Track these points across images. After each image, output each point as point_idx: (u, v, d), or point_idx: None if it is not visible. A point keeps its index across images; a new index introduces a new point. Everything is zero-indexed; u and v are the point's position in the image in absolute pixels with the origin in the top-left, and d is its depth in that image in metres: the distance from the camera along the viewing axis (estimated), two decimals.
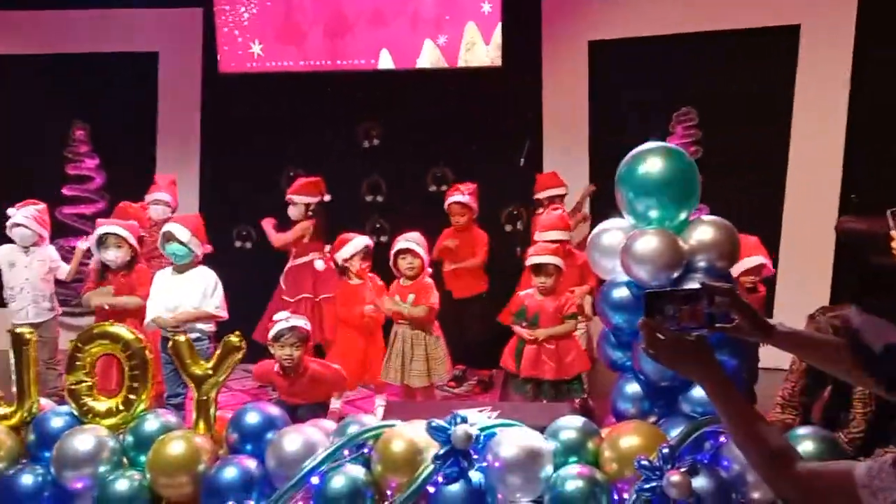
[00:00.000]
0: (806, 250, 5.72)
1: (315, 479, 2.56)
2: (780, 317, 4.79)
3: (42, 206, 4.97)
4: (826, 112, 5.72)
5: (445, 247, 5.35)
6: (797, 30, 5.78)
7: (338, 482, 2.53)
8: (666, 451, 2.38)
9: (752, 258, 4.10)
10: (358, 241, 4.78)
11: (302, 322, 3.88)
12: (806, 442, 2.48)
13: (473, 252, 5.41)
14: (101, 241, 4.45)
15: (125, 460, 2.80)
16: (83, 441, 2.74)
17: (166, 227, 4.24)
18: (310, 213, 5.39)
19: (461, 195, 5.36)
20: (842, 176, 5.73)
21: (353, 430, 2.68)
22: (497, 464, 2.52)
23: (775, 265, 5.98)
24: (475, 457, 2.54)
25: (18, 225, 4.81)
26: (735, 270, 4.04)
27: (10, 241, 4.93)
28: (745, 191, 5.86)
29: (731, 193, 5.73)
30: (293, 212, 5.41)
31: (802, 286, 5.41)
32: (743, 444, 1.46)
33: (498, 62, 6.22)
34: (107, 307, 4.40)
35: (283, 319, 3.85)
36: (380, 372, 4.65)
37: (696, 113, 5.94)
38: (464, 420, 2.50)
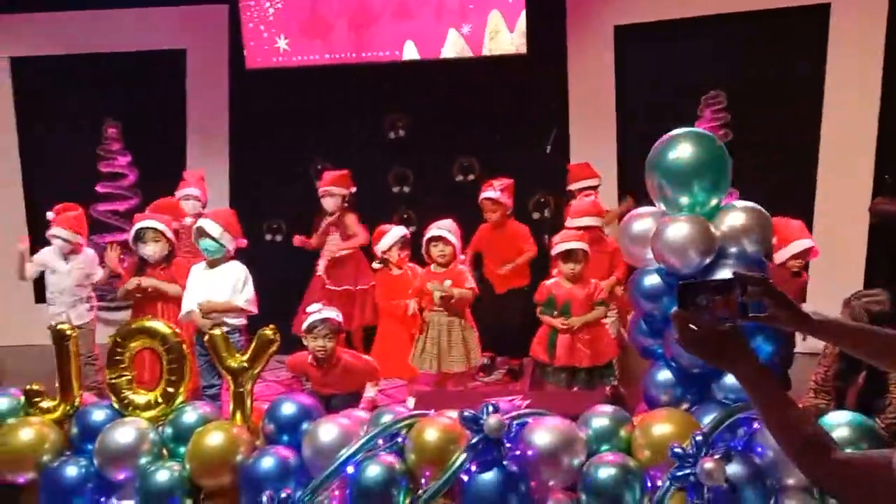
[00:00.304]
0: (839, 233, 5.63)
1: (350, 469, 2.59)
2: (813, 300, 4.78)
3: (78, 211, 5.02)
4: (858, 92, 5.62)
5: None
6: (827, 9, 5.66)
7: (372, 471, 2.56)
8: (699, 438, 2.38)
9: (800, 241, 4.05)
10: (395, 231, 4.86)
11: (334, 314, 3.93)
12: (842, 428, 2.46)
13: (518, 248, 5.36)
14: (139, 237, 4.54)
15: (165, 452, 2.86)
16: (124, 433, 2.81)
17: (199, 223, 4.31)
18: (345, 205, 5.48)
19: (493, 191, 5.27)
20: (875, 156, 5.63)
21: (386, 419, 2.71)
22: (530, 452, 2.54)
23: None
24: (508, 445, 2.56)
25: (56, 237, 4.91)
26: (784, 255, 4.02)
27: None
28: (776, 174, 5.78)
29: (762, 177, 5.66)
30: (329, 203, 5.50)
31: (835, 270, 5.32)
32: (777, 432, 1.45)
33: (523, 49, 6.19)
34: (150, 289, 4.50)
35: (316, 311, 3.89)
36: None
37: (725, 96, 5.86)
38: (496, 409, 2.52)
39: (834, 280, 5.03)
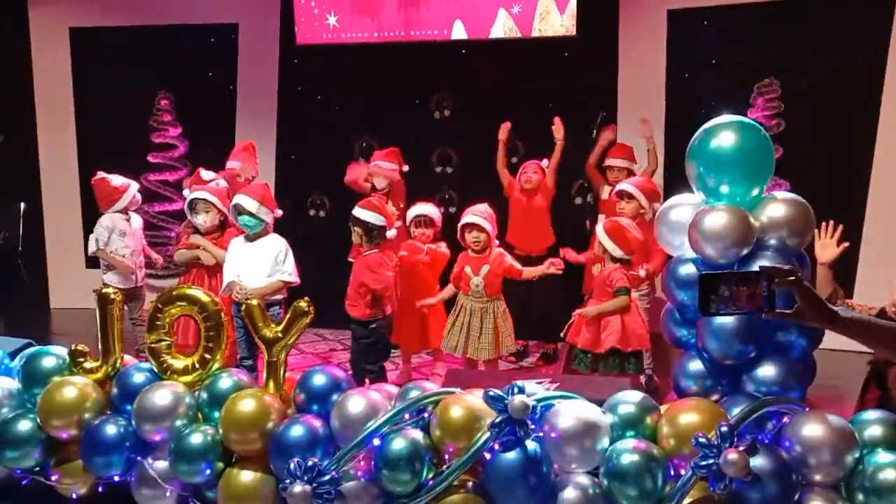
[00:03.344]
0: (893, 225, 5.49)
1: (376, 441, 2.64)
2: (866, 289, 4.64)
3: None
4: None
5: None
6: None
7: (398, 444, 2.60)
8: (725, 428, 2.35)
9: None
10: (413, 210, 4.90)
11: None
12: (873, 426, 2.42)
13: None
14: (191, 206, 4.74)
15: (200, 415, 2.95)
16: (162, 396, 2.89)
17: (235, 200, 4.40)
18: (390, 186, 5.49)
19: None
20: None
21: (414, 394, 2.75)
22: (553, 434, 2.55)
23: (859, 241, 5.76)
24: (532, 426, 2.56)
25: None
26: None
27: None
28: (829, 165, 5.64)
29: (815, 167, 5.53)
30: (379, 181, 5.51)
31: (888, 260, 5.19)
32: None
33: (573, 31, 6.12)
34: (205, 252, 4.69)
35: None
36: (439, 340, 4.74)
37: (779, 84, 5.71)
38: (521, 390, 2.52)
39: (886, 272, 4.91)
